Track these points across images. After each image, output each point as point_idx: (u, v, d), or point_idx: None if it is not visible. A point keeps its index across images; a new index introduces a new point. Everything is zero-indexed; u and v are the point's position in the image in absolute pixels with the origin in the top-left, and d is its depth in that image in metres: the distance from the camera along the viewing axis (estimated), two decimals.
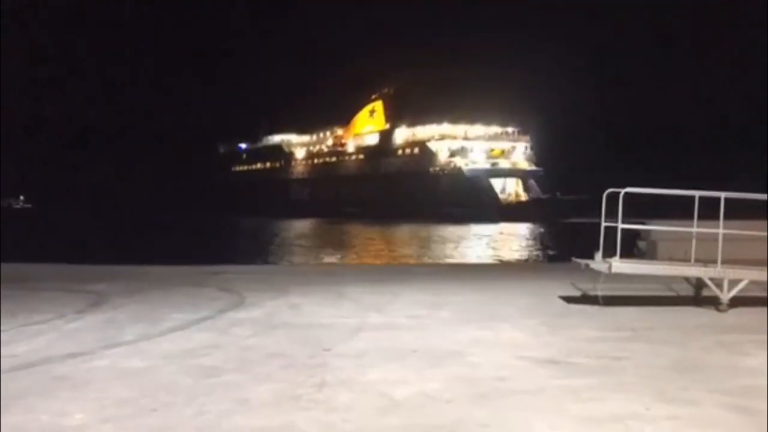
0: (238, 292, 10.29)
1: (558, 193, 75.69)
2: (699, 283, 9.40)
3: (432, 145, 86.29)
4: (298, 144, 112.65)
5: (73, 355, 6.17)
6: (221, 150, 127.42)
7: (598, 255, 9.09)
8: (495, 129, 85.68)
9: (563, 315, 8.64)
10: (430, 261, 28.43)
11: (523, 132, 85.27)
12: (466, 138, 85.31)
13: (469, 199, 74.54)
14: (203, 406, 4.71)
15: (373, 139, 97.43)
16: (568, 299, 9.74)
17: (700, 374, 5.69)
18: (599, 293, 9.16)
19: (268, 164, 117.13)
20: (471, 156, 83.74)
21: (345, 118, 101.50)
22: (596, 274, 9.18)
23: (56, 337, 7.03)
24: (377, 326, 7.73)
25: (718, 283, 8.82)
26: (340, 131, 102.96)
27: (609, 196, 8.93)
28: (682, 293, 9.97)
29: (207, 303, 9.29)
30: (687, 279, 9.69)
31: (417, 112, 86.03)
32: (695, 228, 8.92)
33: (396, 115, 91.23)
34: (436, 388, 5.19)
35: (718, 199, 8.81)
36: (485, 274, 15.32)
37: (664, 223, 9.50)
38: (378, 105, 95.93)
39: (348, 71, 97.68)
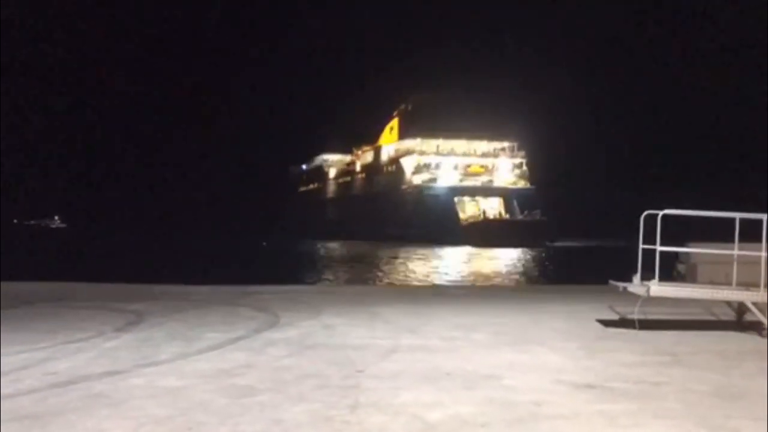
0: (273, 312, 10.35)
1: (528, 213, 69.81)
2: (741, 308, 9.17)
3: (404, 162, 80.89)
4: (332, 164, 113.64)
5: (111, 373, 6.26)
6: (292, 171, 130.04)
7: (637, 278, 8.94)
8: (483, 144, 79.16)
9: (601, 338, 8.50)
10: (463, 283, 28.25)
11: (517, 148, 79.01)
12: (438, 153, 78.76)
13: (430, 219, 70.05)
14: (237, 426, 4.72)
15: (370, 157, 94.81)
16: (606, 323, 9.58)
17: (743, 402, 5.53)
18: (636, 317, 8.99)
19: (316, 185, 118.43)
20: (441, 172, 77.42)
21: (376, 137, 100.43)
22: (635, 297, 9.02)
23: (95, 355, 7.14)
24: (411, 348, 7.69)
25: (761, 308, 8.58)
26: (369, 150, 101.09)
27: (646, 217, 8.79)
28: (724, 318, 9.74)
29: (243, 323, 9.36)
30: (728, 303, 9.46)
31: (424, 127, 79.77)
32: (736, 251, 8.72)
33: (407, 132, 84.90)
34: (470, 411, 5.14)
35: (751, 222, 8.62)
36: (521, 295, 15.16)
37: (704, 246, 9.30)
38: (395, 122, 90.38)
39: (382, 86, 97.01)
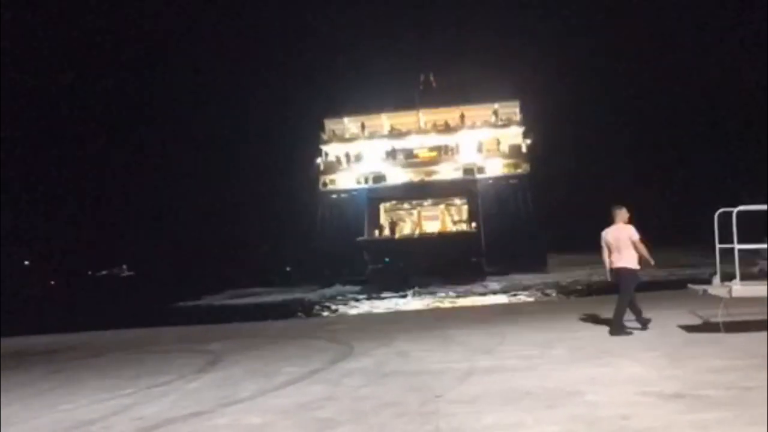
0: (346, 342, 10.40)
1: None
2: None
3: (323, 151, 48.45)
4: None
5: (195, 415, 6.39)
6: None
7: (716, 279, 8.63)
8: (451, 112, 46.99)
9: (685, 345, 8.21)
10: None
11: (518, 112, 46.48)
12: (366, 136, 47.77)
13: (334, 239, 42.85)
14: None
15: None
16: (689, 328, 9.25)
17: None
18: (721, 320, 8.66)
19: None
20: (366, 165, 46.41)
21: None
22: (716, 300, 8.70)
23: (179, 398, 7.30)
24: (488, 369, 7.60)
25: None
26: None
27: (720, 215, 8.50)
28: None
29: (317, 355, 9.44)
30: None
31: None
32: None
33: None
34: (555, 431, 5.02)
35: None
36: (591, 307, 14.78)
37: None
38: None
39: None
